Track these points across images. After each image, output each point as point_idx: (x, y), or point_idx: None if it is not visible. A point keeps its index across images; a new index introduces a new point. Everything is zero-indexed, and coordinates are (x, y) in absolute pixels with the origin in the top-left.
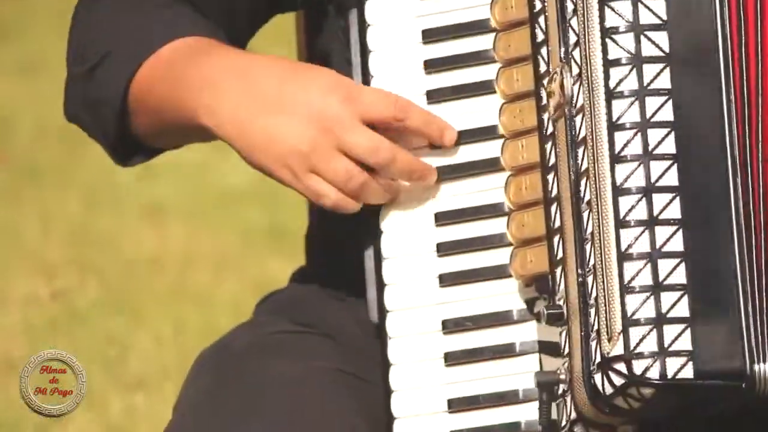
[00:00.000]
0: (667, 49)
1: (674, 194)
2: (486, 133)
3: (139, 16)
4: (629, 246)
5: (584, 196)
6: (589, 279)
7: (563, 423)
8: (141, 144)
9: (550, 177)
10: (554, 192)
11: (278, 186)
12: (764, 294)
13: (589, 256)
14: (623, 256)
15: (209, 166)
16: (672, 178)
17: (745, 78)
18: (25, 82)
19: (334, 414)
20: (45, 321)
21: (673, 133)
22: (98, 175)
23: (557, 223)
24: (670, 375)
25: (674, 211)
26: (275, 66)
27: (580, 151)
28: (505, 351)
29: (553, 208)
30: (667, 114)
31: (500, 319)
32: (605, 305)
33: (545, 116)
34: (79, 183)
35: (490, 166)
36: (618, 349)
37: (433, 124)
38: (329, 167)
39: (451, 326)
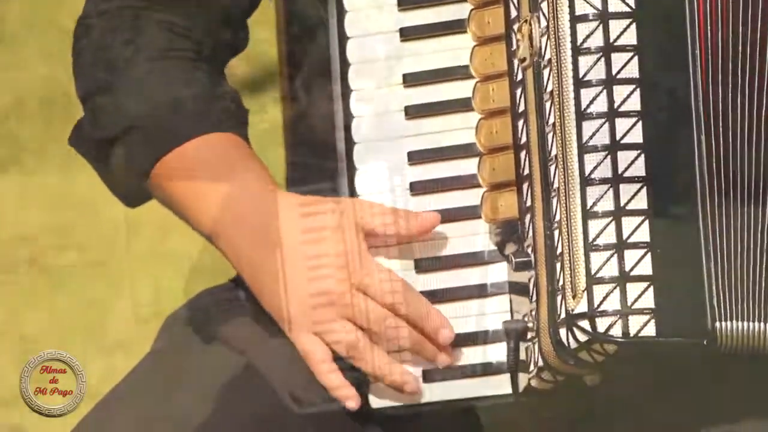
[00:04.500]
0: (633, 5)
1: (639, 151)
2: (457, 72)
3: (159, 81)
4: (594, 203)
5: (551, 150)
6: (555, 233)
7: (531, 368)
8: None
9: (520, 123)
10: (523, 139)
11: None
12: (725, 252)
13: (555, 211)
14: (588, 214)
15: None
16: (637, 135)
17: (709, 31)
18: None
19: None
20: None
21: (638, 89)
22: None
23: (526, 171)
24: (632, 333)
25: (639, 169)
26: (291, 207)
27: (547, 105)
28: (478, 291)
29: (523, 154)
30: (633, 70)
31: (472, 259)
32: (570, 262)
33: (515, 61)
34: None
35: (462, 105)
36: (582, 307)
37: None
38: (327, 331)
39: (423, 266)
